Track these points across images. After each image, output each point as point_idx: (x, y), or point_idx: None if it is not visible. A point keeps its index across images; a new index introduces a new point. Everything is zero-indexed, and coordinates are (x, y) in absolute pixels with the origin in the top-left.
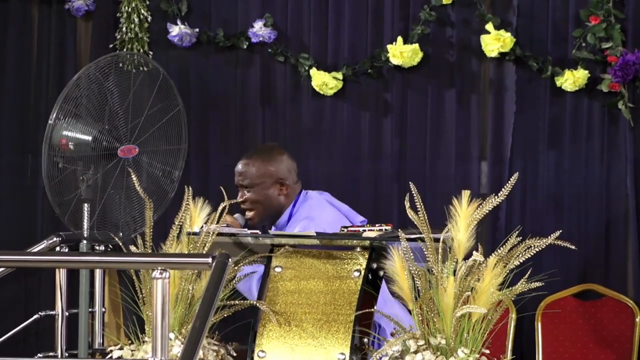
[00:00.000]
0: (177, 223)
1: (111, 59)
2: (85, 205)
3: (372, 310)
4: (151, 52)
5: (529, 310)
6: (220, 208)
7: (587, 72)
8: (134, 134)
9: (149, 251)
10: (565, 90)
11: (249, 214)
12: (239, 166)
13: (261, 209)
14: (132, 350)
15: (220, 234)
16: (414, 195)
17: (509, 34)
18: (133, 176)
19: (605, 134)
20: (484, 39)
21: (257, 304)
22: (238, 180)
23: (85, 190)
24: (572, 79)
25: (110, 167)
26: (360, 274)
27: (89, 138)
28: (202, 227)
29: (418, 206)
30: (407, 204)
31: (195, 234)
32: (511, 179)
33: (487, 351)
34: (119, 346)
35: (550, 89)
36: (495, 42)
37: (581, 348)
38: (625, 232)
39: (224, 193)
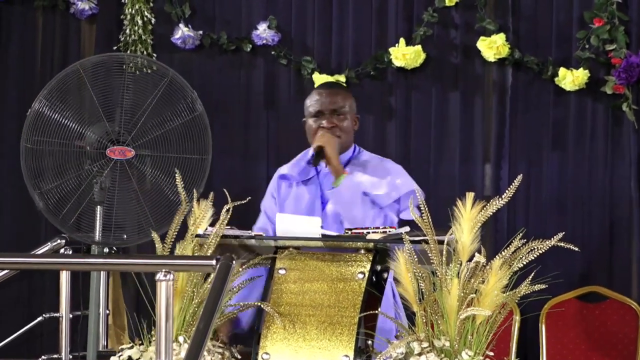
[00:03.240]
0: (173, 227)
1: (108, 58)
2: (98, 207)
3: (377, 312)
4: (155, 55)
5: (532, 312)
6: (224, 210)
7: (587, 71)
8: (139, 137)
9: (167, 253)
10: (568, 92)
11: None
12: (330, 93)
13: (344, 139)
14: (141, 351)
15: (225, 237)
16: (421, 197)
17: (502, 40)
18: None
19: (609, 135)
20: (480, 46)
21: (262, 306)
22: (331, 105)
23: (99, 193)
24: (571, 78)
25: (112, 170)
26: (364, 276)
27: (93, 139)
28: (207, 229)
29: (422, 208)
30: (411, 207)
31: (199, 236)
32: (515, 181)
33: (491, 353)
34: (129, 345)
35: (554, 91)
36: (489, 50)
37: (585, 350)
38: (629, 234)
39: (227, 195)
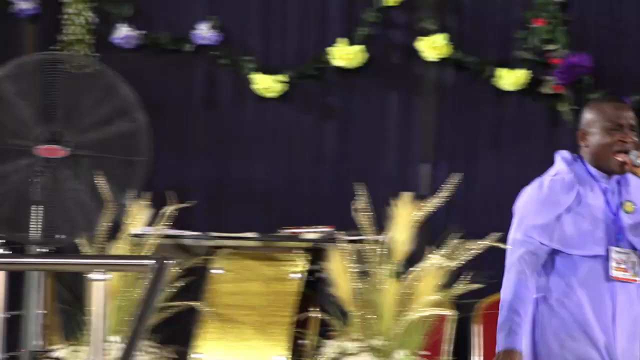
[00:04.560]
0: (103, 226)
1: (46, 57)
2: (35, 207)
3: (319, 307)
4: (97, 54)
5: (467, 311)
6: (166, 211)
7: (527, 71)
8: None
9: (98, 252)
10: (507, 92)
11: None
12: (627, 107)
13: None
14: (74, 352)
15: (162, 237)
16: (358, 197)
17: (444, 41)
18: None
19: (548, 135)
20: (420, 46)
21: (196, 306)
22: (631, 120)
23: (34, 192)
24: (512, 78)
25: (47, 169)
26: (300, 275)
27: (30, 138)
28: (144, 229)
29: (362, 208)
30: (357, 206)
31: (135, 235)
32: (451, 180)
33: (428, 352)
34: (62, 346)
35: (494, 91)
36: (430, 50)
37: None
38: None
39: (172, 198)
